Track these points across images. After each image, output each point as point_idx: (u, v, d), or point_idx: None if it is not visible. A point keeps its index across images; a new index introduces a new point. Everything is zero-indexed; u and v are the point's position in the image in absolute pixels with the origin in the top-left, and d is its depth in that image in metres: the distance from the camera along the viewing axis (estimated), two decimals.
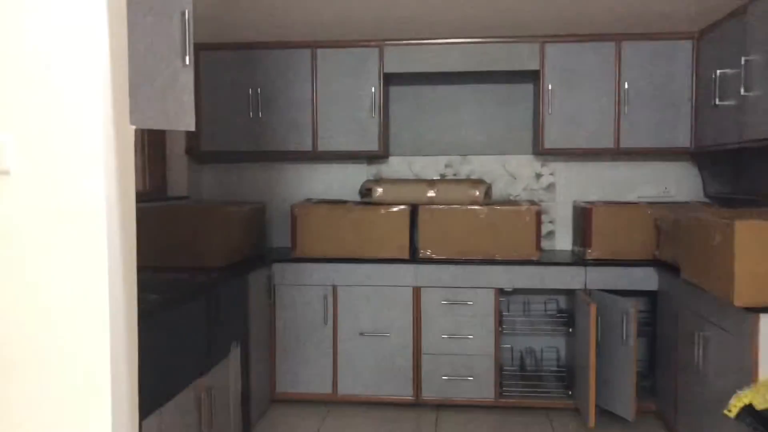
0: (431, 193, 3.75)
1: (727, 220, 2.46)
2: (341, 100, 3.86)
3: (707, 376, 2.76)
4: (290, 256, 3.75)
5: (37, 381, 1.53)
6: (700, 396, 2.83)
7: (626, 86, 3.66)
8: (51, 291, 1.53)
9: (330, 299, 3.69)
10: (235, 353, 3.13)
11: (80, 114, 1.48)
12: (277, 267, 3.71)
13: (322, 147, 3.89)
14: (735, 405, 2.29)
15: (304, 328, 3.70)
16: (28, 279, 1.53)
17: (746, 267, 2.35)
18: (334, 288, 3.69)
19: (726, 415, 2.33)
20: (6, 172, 1.49)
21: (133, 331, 1.64)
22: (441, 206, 3.71)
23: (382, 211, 3.71)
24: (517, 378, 3.90)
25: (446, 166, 4.17)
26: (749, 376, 2.37)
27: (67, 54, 1.49)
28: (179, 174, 4.02)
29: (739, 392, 2.31)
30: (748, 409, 2.25)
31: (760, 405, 2.23)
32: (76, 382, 1.53)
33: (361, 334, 3.68)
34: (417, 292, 3.66)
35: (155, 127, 1.82)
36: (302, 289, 3.70)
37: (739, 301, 2.37)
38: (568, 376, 3.83)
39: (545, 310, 4.02)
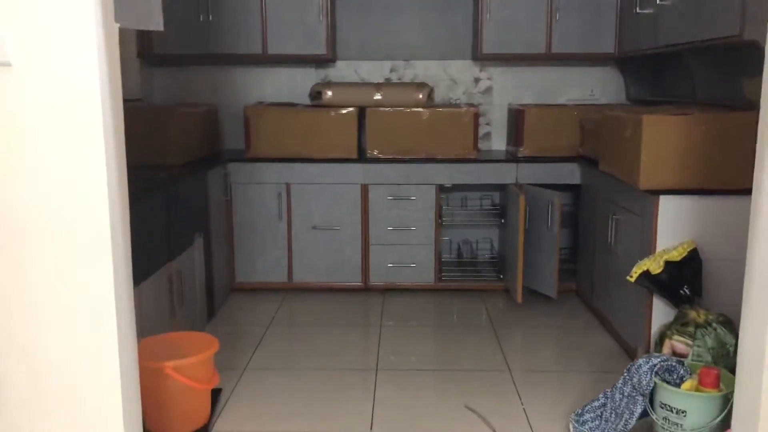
0: (377, 96, 4.00)
1: (637, 115, 2.82)
2: (290, 3, 3.98)
3: (617, 254, 3.20)
4: (245, 156, 3.97)
5: (51, 244, 1.77)
6: (612, 272, 3.29)
7: None
8: (52, 171, 1.74)
9: (284, 196, 3.95)
10: (199, 243, 3.39)
11: (73, 11, 1.66)
12: (232, 166, 3.93)
13: (272, 50, 4.04)
14: (635, 272, 2.73)
15: (260, 223, 3.97)
16: (29, 162, 1.74)
17: (650, 156, 2.73)
18: (288, 186, 3.95)
19: (628, 281, 2.77)
20: (8, 64, 1.67)
21: (126, 206, 1.89)
22: (387, 108, 3.97)
23: (332, 114, 3.95)
24: (455, 265, 4.32)
25: (391, 70, 4.39)
26: (649, 250, 2.80)
27: None
28: (131, 77, 4.11)
29: (639, 262, 2.75)
30: (645, 274, 2.69)
31: (654, 270, 2.66)
32: (80, 248, 1.78)
33: (314, 227, 3.98)
34: (365, 188, 3.96)
35: (131, 26, 1.99)
36: (257, 187, 3.94)
37: (644, 185, 2.78)
38: (500, 262, 4.27)
39: (481, 205, 4.40)
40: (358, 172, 3.94)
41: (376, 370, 2.99)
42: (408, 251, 4.02)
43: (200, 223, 3.45)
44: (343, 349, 3.24)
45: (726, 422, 2.06)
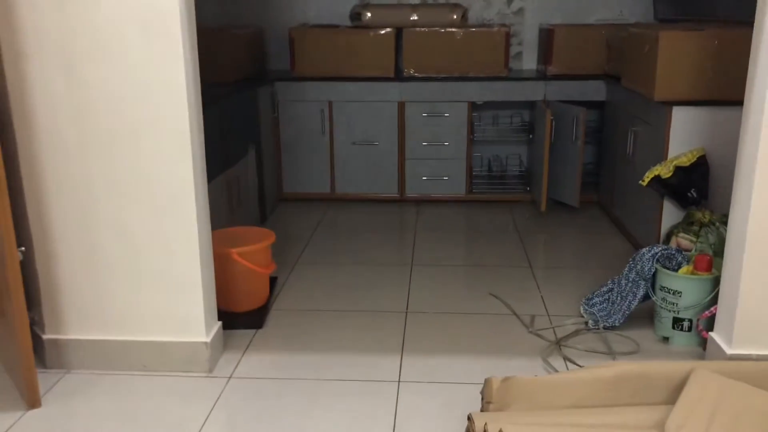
0: (414, 17, 4.23)
1: (654, 31, 3.02)
2: None
3: (635, 164, 3.46)
4: (290, 75, 4.27)
5: (146, 142, 2.14)
6: (629, 181, 3.55)
7: None
8: (149, 76, 2.09)
9: (326, 113, 4.26)
10: (252, 154, 3.75)
11: None
12: (279, 85, 4.23)
13: None
14: (647, 176, 3.00)
15: (304, 138, 4.31)
16: (124, 71, 2.08)
17: (665, 69, 2.96)
18: (330, 103, 4.26)
19: (641, 185, 3.05)
20: None
21: (200, 111, 2.23)
22: (422, 29, 4.20)
23: (371, 34, 4.20)
24: (485, 179, 4.62)
25: None
26: (662, 157, 3.06)
27: None
28: None
29: (651, 168, 3.02)
30: (657, 179, 2.97)
31: (664, 175, 2.94)
32: (167, 145, 2.14)
33: (354, 143, 4.30)
34: (401, 106, 4.24)
35: None
36: (302, 104, 4.26)
37: (658, 96, 3.01)
38: (528, 176, 4.55)
39: (511, 122, 4.65)
40: (395, 90, 4.21)
41: (411, 265, 3.36)
42: (441, 165, 4.33)
43: (252, 136, 3.79)
44: (382, 250, 3.62)
45: (714, 300, 2.37)
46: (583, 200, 4.11)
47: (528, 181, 4.52)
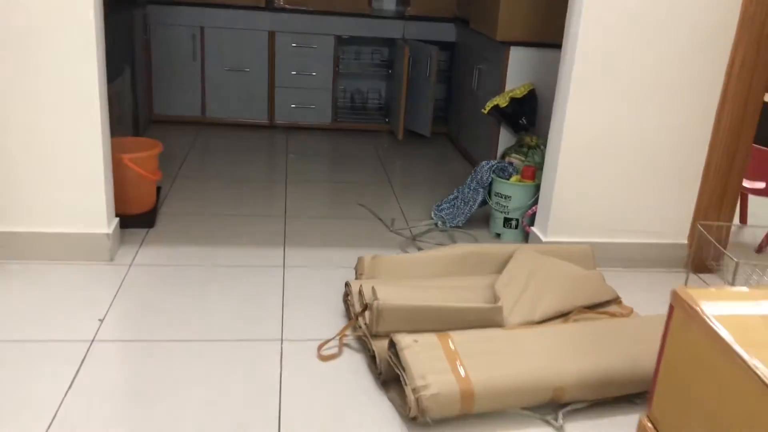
0: None
1: None
2: None
3: (478, 98, 4.03)
4: None
5: (55, 48, 2.30)
6: (473, 112, 4.12)
7: None
8: None
9: (198, 38, 4.43)
10: (127, 73, 3.87)
11: None
12: (151, 8, 4.32)
13: None
14: (488, 106, 3.56)
15: (176, 62, 4.45)
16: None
17: (505, 14, 3.51)
18: (202, 29, 4.42)
19: (482, 113, 3.61)
20: None
21: (102, 23, 2.42)
22: None
23: None
24: (349, 110, 5.03)
25: None
26: (499, 90, 3.63)
27: None
28: None
29: (491, 99, 3.58)
30: (495, 108, 3.54)
31: (501, 104, 3.51)
32: (76, 51, 2.32)
33: (226, 69, 4.52)
34: (272, 35, 4.51)
35: None
36: (174, 28, 4.39)
37: (500, 37, 3.57)
38: (387, 108, 5.03)
39: (372, 58, 5.07)
40: (265, 19, 4.46)
41: (285, 182, 3.73)
42: (309, 94, 4.67)
43: (127, 56, 3.90)
44: (256, 168, 3.94)
45: (536, 203, 2.99)
46: (435, 131, 4.66)
47: (386, 112, 4.99)
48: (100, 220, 2.56)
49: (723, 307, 1.33)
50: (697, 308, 1.32)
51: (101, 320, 2.23)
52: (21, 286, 2.39)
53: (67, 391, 1.86)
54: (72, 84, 2.38)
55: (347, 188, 3.71)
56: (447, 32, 4.65)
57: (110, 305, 2.32)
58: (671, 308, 1.40)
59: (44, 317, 2.22)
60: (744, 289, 1.53)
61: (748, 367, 1.15)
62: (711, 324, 1.27)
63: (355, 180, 3.85)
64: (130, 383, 1.93)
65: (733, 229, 3.15)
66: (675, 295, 1.39)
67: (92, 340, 2.12)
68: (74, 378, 1.92)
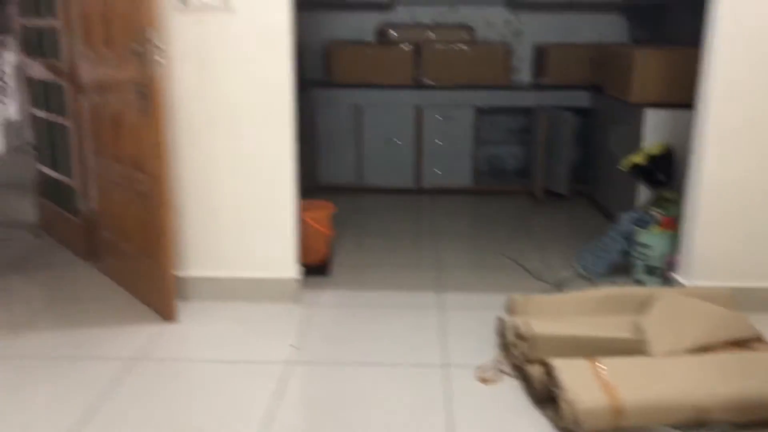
0: (431, 35, 5.03)
1: (632, 50, 3.85)
2: None
3: (615, 157, 4.26)
4: (325, 82, 5.03)
5: (258, 124, 2.89)
6: (611, 171, 4.35)
7: None
8: (257, 75, 2.84)
9: (357, 115, 5.03)
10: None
11: None
12: (316, 91, 5.00)
13: None
14: (627, 163, 3.80)
15: (337, 136, 5.06)
16: (244, 68, 2.83)
17: (639, 79, 3.79)
18: (360, 107, 5.02)
19: (620, 169, 3.85)
20: (237, 11, 2.75)
21: (294, 104, 2.99)
22: (438, 45, 5.00)
23: (394, 49, 4.99)
24: (488, 173, 5.41)
25: (440, 14, 5.39)
26: (637, 149, 3.86)
27: None
28: None
29: (629, 156, 3.82)
30: (634, 165, 3.77)
31: (639, 161, 3.74)
32: (273, 128, 2.89)
33: (379, 140, 5.07)
34: (420, 110, 5.02)
35: None
36: (336, 106, 5.02)
37: (633, 99, 3.84)
38: (525, 171, 5.35)
39: (510, 125, 5.45)
40: (414, 96, 5.00)
41: (434, 238, 4.13)
42: (451, 160, 5.10)
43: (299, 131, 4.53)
44: (407, 227, 4.39)
45: (675, 250, 3.16)
46: (573, 190, 4.91)
47: (525, 174, 5.31)
48: (289, 267, 3.07)
49: None
50: None
51: (293, 346, 2.69)
52: (224, 320, 2.91)
53: (269, 401, 2.31)
54: (273, 158, 2.94)
55: (491, 242, 4.04)
56: (582, 98, 4.95)
57: (299, 335, 2.78)
58: None
59: (246, 344, 2.72)
60: None
61: None
62: None
63: (498, 235, 4.18)
64: (320, 397, 2.35)
65: None
66: None
67: (287, 362, 2.57)
68: (275, 391, 2.37)
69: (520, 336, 2.44)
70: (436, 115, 5.03)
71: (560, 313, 2.72)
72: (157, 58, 2.61)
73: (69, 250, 3.75)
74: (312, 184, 5.01)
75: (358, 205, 4.84)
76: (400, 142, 5.07)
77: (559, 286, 3.31)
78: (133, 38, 2.67)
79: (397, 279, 3.42)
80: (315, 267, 3.45)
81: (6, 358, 2.60)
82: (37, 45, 3.74)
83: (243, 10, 2.78)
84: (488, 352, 2.62)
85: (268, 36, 2.81)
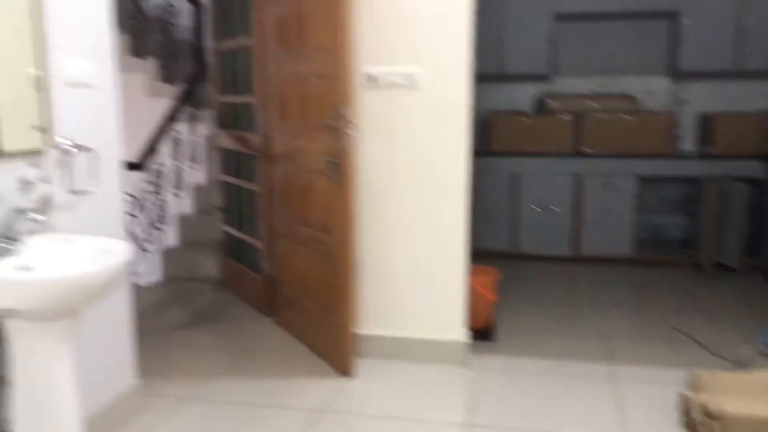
0: (591, 104, 5.06)
1: None
2: (521, 30, 5.15)
3: None
4: (485, 151, 5.19)
5: (434, 190, 3.05)
6: None
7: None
8: (437, 144, 3.02)
9: (514, 182, 5.11)
10: None
11: (455, 58, 2.93)
12: (475, 159, 5.13)
13: (507, 69, 5.24)
14: None
15: (495, 202, 5.16)
16: (429, 139, 3.03)
17: None
18: (519, 175, 5.11)
19: None
20: (421, 89, 2.98)
21: (469, 172, 3.13)
22: (600, 115, 5.01)
23: (554, 118, 5.06)
24: (649, 243, 5.25)
25: (601, 84, 5.41)
26: None
27: (448, 24, 2.92)
28: None
29: None
30: None
31: None
32: (449, 194, 3.04)
33: (537, 207, 5.10)
34: (580, 178, 5.02)
35: None
36: (494, 174, 5.14)
37: None
38: (689, 242, 5.14)
39: (674, 195, 5.29)
40: (573, 164, 5.01)
41: (594, 302, 4.06)
42: (613, 229, 5.02)
43: None
44: (567, 296, 4.35)
45: None
46: (744, 264, 4.65)
47: (689, 245, 5.10)
48: (458, 330, 3.15)
49: None
50: None
51: (469, 409, 2.74)
52: (398, 379, 3.03)
53: None
54: (447, 224, 3.08)
55: (657, 314, 3.91)
56: (753, 168, 4.73)
57: (472, 399, 2.83)
58: None
59: (421, 403, 2.80)
60: None
61: None
62: None
63: (665, 307, 4.04)
64: None
65: None
66: None
67: (463, 424, 2.62)
68: None
69: (709, 415, 2.34)
70: (596, 184, 5.00)
71: (751, 392, 2.58)
72: (348, 131, 2.86)
73: (248, 304, 4.06)
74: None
75: (514, 272, 4.86)
76: (558, 210, 5.07)
77: (740, 363, 3.14)
78: (327, 114, 2.95)
79: (564, 347, 3.39)
80: (480, 332, 3.50)
81: (201, 401, 2.85)
82: (232, 119, 4.19)
83: (427, 88, 2.99)
84: (671, 431, 2.53)
85: (448, 110, 3.00)
